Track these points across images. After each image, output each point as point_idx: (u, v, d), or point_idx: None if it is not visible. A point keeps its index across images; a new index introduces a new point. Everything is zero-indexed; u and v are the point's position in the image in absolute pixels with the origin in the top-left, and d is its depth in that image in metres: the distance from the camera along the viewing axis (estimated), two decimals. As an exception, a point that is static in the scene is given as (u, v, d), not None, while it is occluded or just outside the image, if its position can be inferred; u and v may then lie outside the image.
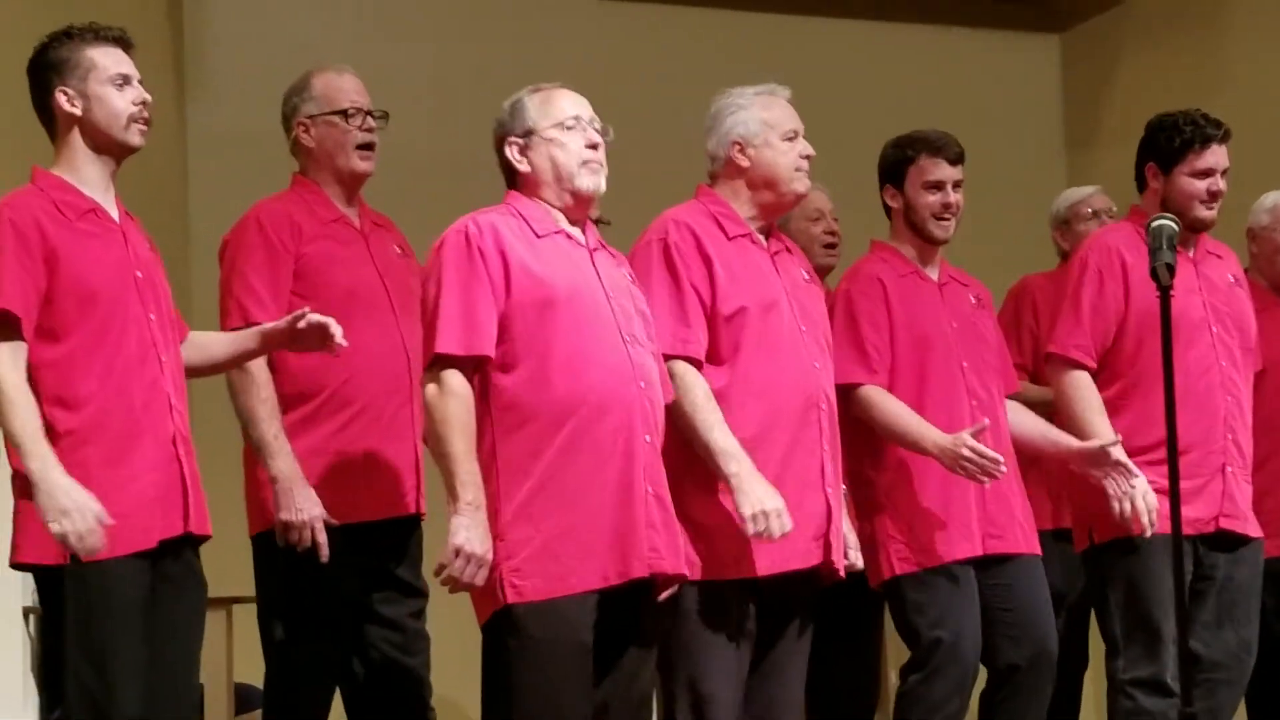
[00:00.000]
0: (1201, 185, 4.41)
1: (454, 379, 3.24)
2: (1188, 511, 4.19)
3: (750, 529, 3.47)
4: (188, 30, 6.76)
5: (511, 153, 3.45)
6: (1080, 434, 4.17)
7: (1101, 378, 4.36)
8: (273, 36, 6.83)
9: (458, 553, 3.15)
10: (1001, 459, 3.98)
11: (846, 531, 3.91)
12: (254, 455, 3.84)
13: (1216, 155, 4.43)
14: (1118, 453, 4.14)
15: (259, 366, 3.82)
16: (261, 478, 3.83)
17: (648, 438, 3.33)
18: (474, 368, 3.26)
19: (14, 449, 3.22)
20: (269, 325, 3.62)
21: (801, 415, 3.73)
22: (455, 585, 3.20)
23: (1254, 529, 4.42)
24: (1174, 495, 3.60)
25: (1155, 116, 4.59)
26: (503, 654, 3.24)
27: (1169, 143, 4.47)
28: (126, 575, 3.31)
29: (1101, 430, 4.14)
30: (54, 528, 3.12)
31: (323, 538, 3.79)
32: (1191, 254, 4.43)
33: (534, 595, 3.20)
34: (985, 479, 3.99)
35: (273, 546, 3.84)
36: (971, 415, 4.15)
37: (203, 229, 5.11)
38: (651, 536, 3.31)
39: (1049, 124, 8.10)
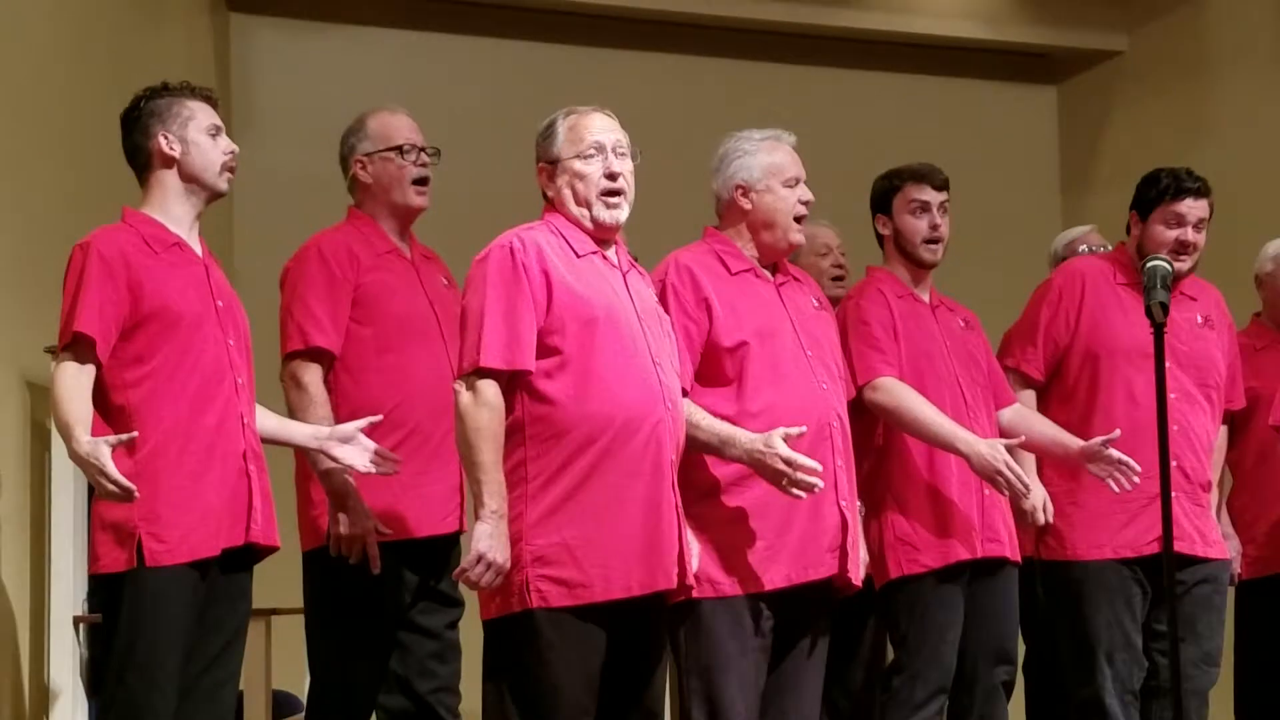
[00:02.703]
0: (1171, 234, 4.44)
1: (489, 390, 3.19)
2: (1132, 531, 4.33)
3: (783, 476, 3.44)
4: (234, 74, 6.83)
5: (541, 179, 3.43)
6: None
7: (1055, 395, 4.44)
8: (311, 82, 6.88)
9: (480, 559, 3.12)
10: (1025, 477, 3.99)
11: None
12: (308, 473, 3.85)
13: (1190, 207, 4.46)
14: (1115, 451, 4.14)
15: (318, 387, 3.86)
16: (314, 495, 3.86)
17: (673, 456, 3.32)
18: (510, 380, 3.23)
19: (66, 436, 3.27)
20: (324, 432, 3.67)
21: (814, 433, 3.67)
22: (472, 587, 3.19)
23: (1213, 551, 4.45)
24: (1166, 514, 3.68)
25: (1151, 170, 4.63)
26: (518, 655, 3.20)
27: (1148, 191, 4.53)
28: (182, 584, 3.37)
29: (1063, 439, 4.22)
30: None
31: (375, 551, 3.79)
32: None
33: (558, 602, 3.17)
34: (1008, 491, 4.01)
35: (323, 562, 3.85)
36: (968, 427, 4.14)
37: (246, 258, 5.15)
38: (678, 549, 3.31)
39: (1046, 169, 8.11)
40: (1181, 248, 4.42)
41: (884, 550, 4.07)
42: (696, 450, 3.65)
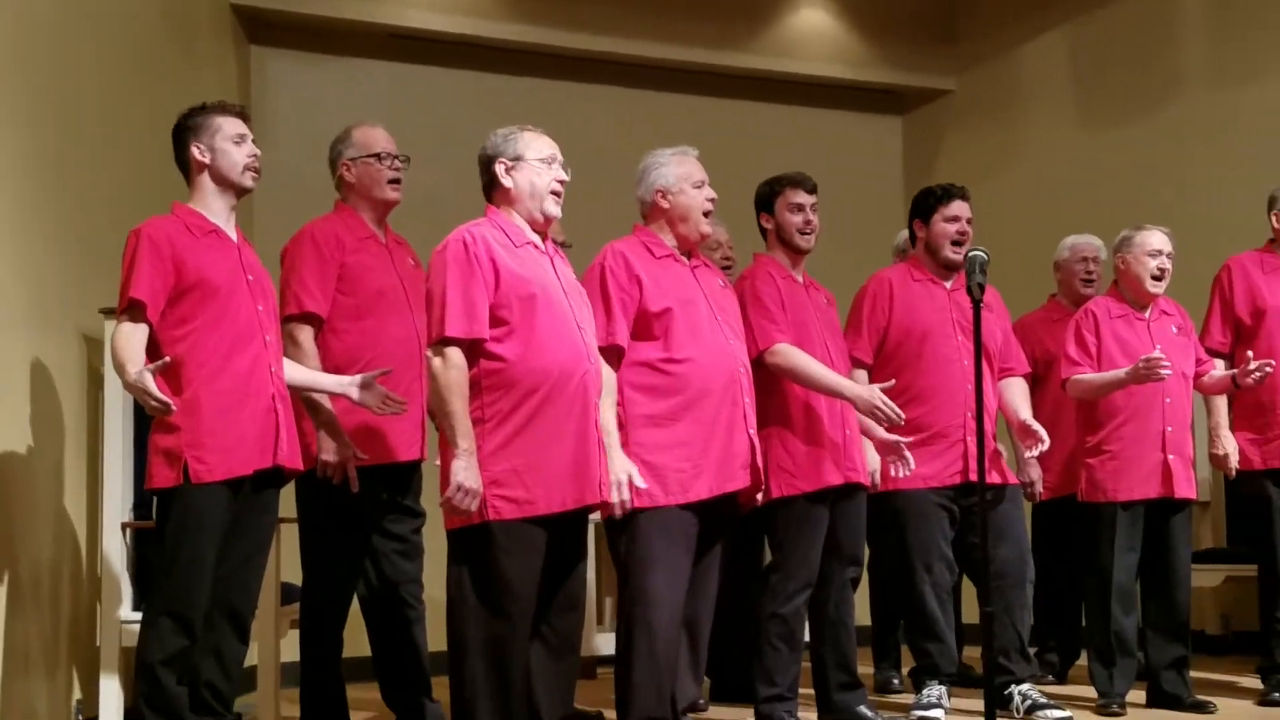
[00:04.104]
0: (952, 228, 4.52)
1: (455, 354, 3.20)
2: (937, 465, 4.40)
3: None
4: (254, 96, 6.78)
5: (500, 170, 3.39)
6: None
7: (886, 371, 4.44)
8: (315, 102, 6.82)
9: (459, 488, 3.12)
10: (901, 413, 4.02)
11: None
12: (300, 410, 3.82)
13: (960, 207, 4.54)
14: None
15: (309, 343, 3.84)
16: (307, 427, 3.83)
17: (595, 400, 3.32)
18: (470, 345, 3.23)
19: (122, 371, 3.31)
20: (347, 380, 3.69)
21: (728, 378, 3.73)
22: (454, 512, 3.17)
23: (1009, 479, 4.55)
24: (980, 450, 3.71)
25: (919, 191, 4.70)
26: (476, 556, 3.19)
27: (927, 201, 4.59)
28: (220, 499, 3.39)
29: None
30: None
31: (354, 473, 3.80)
32: (949, 285, 4.56)
33: (509, 515, 3.18)
34: (887, 424, 4.03)
35: (313, 482, 3.84)
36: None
37: (263, 243, 5.08)
38: (600, 472, 3.31)
39: (892, 183, 8.14)
40: (961, 236, 4.52)
41: (768, 476, 4.07)
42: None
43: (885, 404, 3.97)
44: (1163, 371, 4.32)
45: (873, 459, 4.32)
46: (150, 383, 3.21)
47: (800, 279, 4.33)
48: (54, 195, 4.25)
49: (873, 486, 4.34)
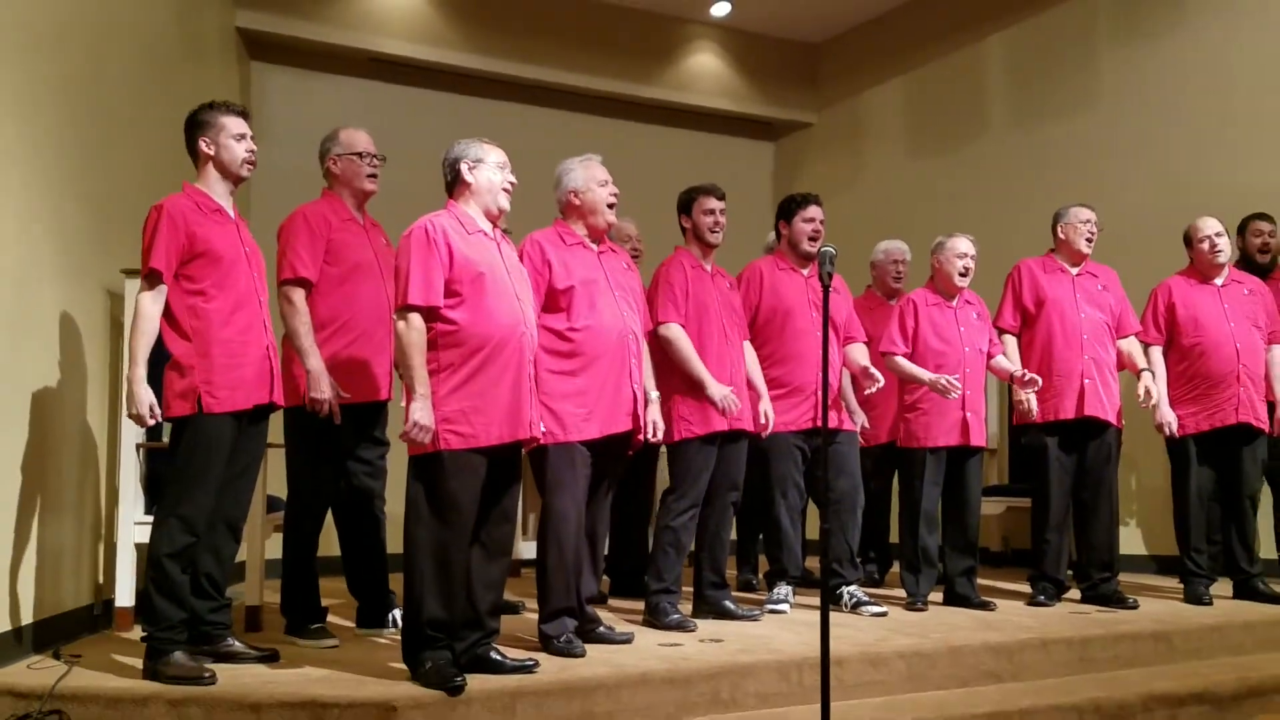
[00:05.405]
0: (808, 227, 4.57)
1: (416, 319, 3.16)
2: (794, 414, 4.44)
3: None
4: (253, 103, 6.63)
5: (464, 169, 3.34)
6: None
7: (758, 339, 4.48)
8: (304, 109, 6.70)
9: (415, 425, 3.10)
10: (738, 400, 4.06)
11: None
12: (291, 356, 3.78)
13: (815, 210, 4.59)
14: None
15: (302, 303, 3.78)
16: (296, 371, 3.78)
17: (529, 357, 3.30)
18: (427, 312, 3.19)
19: (133, 361, 3.27)
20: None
21: (618, 342, 3.72)
22: (412, 443, 3.15)
23: (846, 426, 4.57)
24: (824, 404, 3.75)
25: (784, 198, 4.73)
26: (430, 477, 3.16)
27: (790, 205, 4.63)
28: (226, 426, 3.35)
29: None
30: (130, 409, 3.27)
31: (337, 409, 3.75)
32: (805, 273, 4.60)
33: (457, 446, 3.15)
34: (734, 410, 4.07)
35: (301, 414, 3.80)
36: (730, 357, 4.20)
37: (261, 221, 4.99)
38: (530, 415, 3.29)
39: (764, 196, 8.18)
40: (815, 234, 4.57)
41: (670, 422, 4.10)
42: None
43: (729, 400, 4.04)
44: (953, 395, 4.49)
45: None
46: (146, 407, 3.23)
47: (709, 268, 4.33)
48: (84, 171, 4.13)
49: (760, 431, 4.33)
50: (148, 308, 3.30)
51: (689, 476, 4.15)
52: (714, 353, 4.18)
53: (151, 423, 3.26)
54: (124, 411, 4.06)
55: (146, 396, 3.25)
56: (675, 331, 4.13)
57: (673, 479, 4.21)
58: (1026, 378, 4.60)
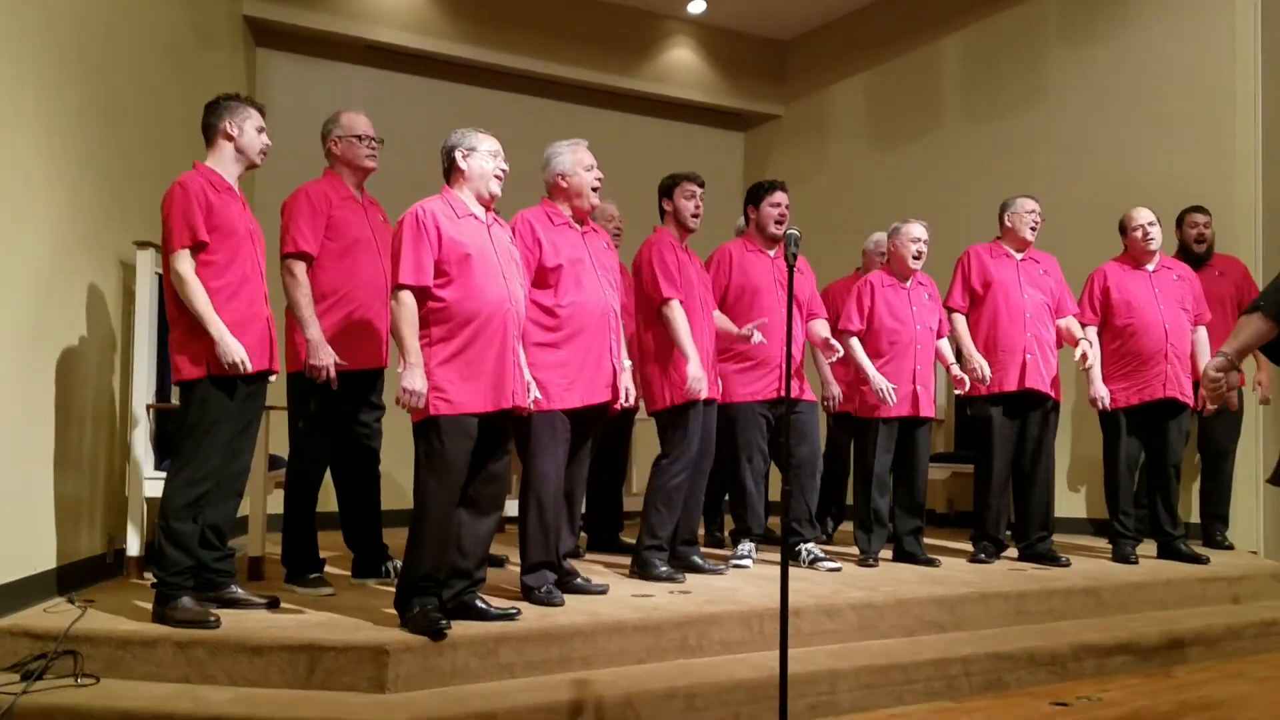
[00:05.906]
0: (775, 210, 4.55)
1: (408, 297, 3.15)
2: (759, 385, 4.45)
3: None
4: (259, 87, 6.52)
5: (459, 156, 3.32)
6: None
7: (728, 316, 4.45)
8: (307, 95, 6.60)
9: (407, 391, 3.10)
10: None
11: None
12: (293, 325, 3.75)
13: (781, 196, 4.57)
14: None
15: (303, 275, 3.74)
16: (297, 339, 3.75)
17: (515, 332, 3.28)
18: (419, 290, 3.18)
19: (198, 318, 3.25)
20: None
21: (600, 318, 3.69)
22: (405, 408, 3.14)
23: (807, 396, 4.53)
24: (787, 375, 3.74)
25: (752, 184, 4.69)
26: (428, 439, 3.17)
27: (758, 191, 4.60)
28: (231, 388, 3.33)
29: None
30: (225, 360, 3.23)
31: (335, 375, 3.72)
32: (772, 254, 4.58)
33: (448, 412, 3.15)
34: (697, 395, 4.03)
35: (302, 380, 3.77)
36: (706, 329, 4.20)
37: (265, 199, 4.94)
38: (514, 386, 3.27)
39: (735, 183, 8.14)
40: (781, 217, 4.55)
41: (659, 390, 4.12)
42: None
43: (702, 389, 4.00)
44: (889, 401, 4.53)
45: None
46: (237, 356, 3.23)
47: (686, 250, 4.31)
48: (102, 150, 4.05)
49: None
50: (188, 272, 3.27)
51: (683, 439, 4.13)
52: (695, 326, 4.17)
53: (241, 367, 3.24)
54: (135, 374, 4.05)
55: (233, 347, 3.24)
56: (676, 308, 4.10)
57: (665, 444, 4.19)
58: (957, 376, 4.69)
